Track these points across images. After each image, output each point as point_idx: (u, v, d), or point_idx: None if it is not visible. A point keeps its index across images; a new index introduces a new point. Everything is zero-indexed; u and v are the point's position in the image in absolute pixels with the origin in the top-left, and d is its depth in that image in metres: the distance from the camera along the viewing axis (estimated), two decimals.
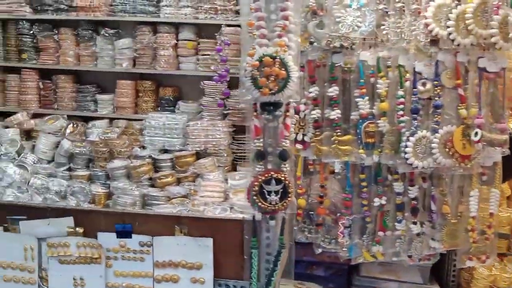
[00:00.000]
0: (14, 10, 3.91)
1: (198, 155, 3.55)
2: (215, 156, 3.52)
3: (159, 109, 3.91)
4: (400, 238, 2.89)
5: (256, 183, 2.28)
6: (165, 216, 2.58)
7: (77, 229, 2.58)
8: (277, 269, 2.44)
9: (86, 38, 3.91)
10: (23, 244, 2.61)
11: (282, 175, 2.27)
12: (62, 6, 3.85)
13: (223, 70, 2.39)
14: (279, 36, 2.15)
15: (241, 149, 3.77)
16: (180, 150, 3.56)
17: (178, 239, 2.53)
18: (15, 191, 2.86)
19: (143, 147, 3.61)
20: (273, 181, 2.27)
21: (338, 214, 2.91)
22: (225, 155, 3.54)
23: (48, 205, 2.68)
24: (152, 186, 3.34)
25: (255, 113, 2.27)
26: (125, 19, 3.77)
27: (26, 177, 3.21)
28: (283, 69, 2.10)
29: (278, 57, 2.09)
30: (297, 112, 2.68)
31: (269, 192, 2.28)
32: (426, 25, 2.56)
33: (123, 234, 2.56)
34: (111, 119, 3.92)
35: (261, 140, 2.27)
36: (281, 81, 2.12)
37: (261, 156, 2.27)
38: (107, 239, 2.57)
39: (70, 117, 3.92)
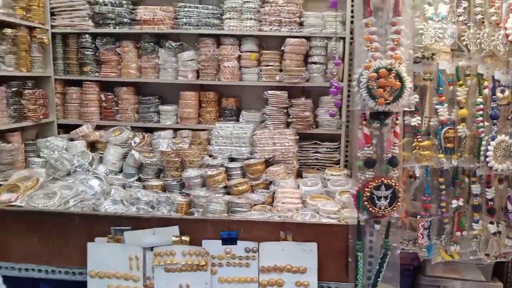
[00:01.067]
0: (77, 24, 3.95)
1: (266, 163, 3.64)
2: (283, 163, 3.61)
3: (221, 119, 4.00)
4: (477, 238, 3.04)
5: (366, 189, 2.40)
6: (270, 222, 2.67)
7: (182, 237, 2.66)
8: (383, 271, 2.56)
9: (148, 50, 3.97)
10: (128, 254, 2.67)
11: (392, 181, 2.39)
12: (125, 20, 3.92)
13: (338, 82, 2.50)
14: (392, 50, 2.28)
15: (305, 156, 3.87)
16: (248, 158, 3.64)
17: (283, 244, 2.63)
18: (109, 202, 2.91)
19: (211, 156, 3.69)
20: (383, 187, 2.39)
21: (418, 217, 3.06)
22: (294, 162, 3.64)
23: (153, 215, 2.74)
24: (228, 193, 3.42)
25: (364, 122, 2.40)
26: (189, 31, 3.85)
27: (104, 188, 3.27)
28: (398, 80, 2.23)
29: (393, 69, 2.22)
30: None
31: (379, 198, 2.41)
32: (506, 35, 2.73)
33: (229, 241, 2.64)
34: (174, 130, 3.99)
35: (371, 147, 2.39)
36: (395, 91, 2.25)
37: (371, 163, 2.39)
38: (212, 246, 2.66)
39: (132, 128, 3.99)
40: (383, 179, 2.38)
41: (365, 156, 2.39)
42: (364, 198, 2.40)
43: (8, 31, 3.36)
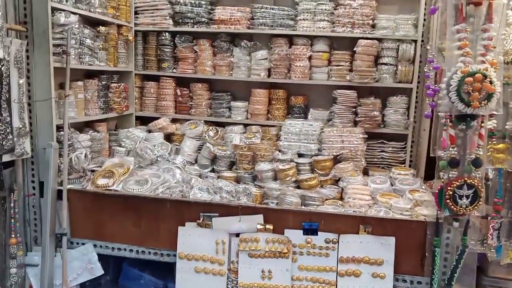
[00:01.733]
0: (158, 23, 4.22)
1: (334, 160, 3.78)
2: (352, 160, 3.74)
3: (289, 116, 4.16)
4: None
5: (449, 188, 2.51)
6: (350, 216, 2.82)
7: (266, 226, 2.85)
8: (459, 267, 2.65)
9: (223, 49, 4.19)
10: (215, 239, 2.89)
11: (475, 180, 2.49)
12: (203, 19, 4.14)
13: (434, 85, 2.62)
14: (483, 55, 2.37)
15: (371, 155, 3.98)
16: (316, 155, 3.79)
17: (362, 237, 2.77)
18: (197, 190, 3.13)
19: (280, 151, 3.86)
20: (465, 186, 2.49)
21: (489, 218, 3.12)
22: (362, 160, 3.76)
23: (239, 203, 2.94)
24: (298, 187, 3.59)
25: (450, 124, 2.50)
26: (264, 32, 4.04)
27: (184, 177, 3.50)
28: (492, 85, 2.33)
29: (489, 74, 2.31)
30: None
31: (461, 196, 2.51)
32: None
33: (310, 231, 2.81)
34: (244, 125, 4.20)
35: (455, 148, 2.49)
36: (485, 95, 2.34)
37: (456, 163, 2.49)
38: (294, 235, 2.83)
39: (205, 122, 4.23)
40: (466, 178, 2.48)
41: (450, 156, 2.50)
42: (446, 196, 2.51)
43: (103, 29, 3.65)
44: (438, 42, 2.98)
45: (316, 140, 3.87)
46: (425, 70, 2.84)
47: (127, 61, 4.21)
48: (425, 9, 3.72)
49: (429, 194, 3.14)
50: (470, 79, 2.28)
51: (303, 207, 3.15)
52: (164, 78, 4.35)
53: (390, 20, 3.86)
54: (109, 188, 3.10)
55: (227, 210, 2.90)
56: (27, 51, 2.97)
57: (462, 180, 2.48)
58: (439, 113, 2.60)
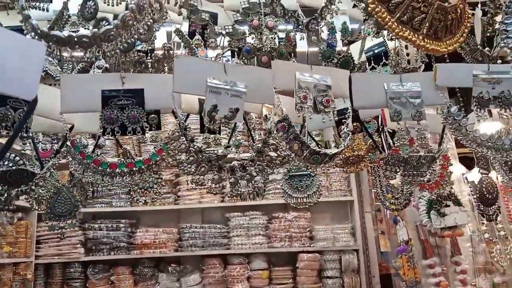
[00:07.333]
0: (66, 252, 3.54)
1: None
2: None
3: None
4: None
5: None
6: None
7: None
8: None
9: (146, 276, 3.57)
10: None
11: None
12: (121, 244, 3.58)
13: None
14: None
15: None
16: None
17: None
18: None
19: None
20: None
21: None
22: None
23: None
24: None
25: None
26: (195, 253, 3.59)
27: None
28: None
29: None
30: None
31: None
32: None
33: None
34: None
35: None
36: None
37: None
38: None
39: None
40: None
41: None
42: None
43: None
44: None
45: None
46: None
47: None
48: (363, 216, 3.67)
49: None
50: None
51: None
52: None
53: (327, 230, 3.71)
54: None
55: None
56: None
57: None
58: None
